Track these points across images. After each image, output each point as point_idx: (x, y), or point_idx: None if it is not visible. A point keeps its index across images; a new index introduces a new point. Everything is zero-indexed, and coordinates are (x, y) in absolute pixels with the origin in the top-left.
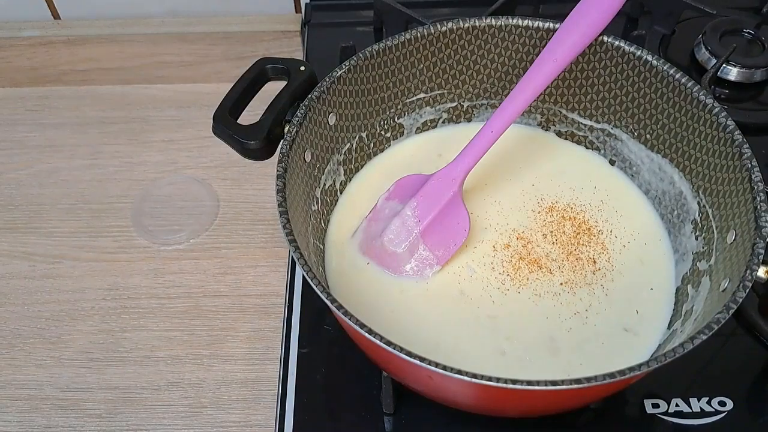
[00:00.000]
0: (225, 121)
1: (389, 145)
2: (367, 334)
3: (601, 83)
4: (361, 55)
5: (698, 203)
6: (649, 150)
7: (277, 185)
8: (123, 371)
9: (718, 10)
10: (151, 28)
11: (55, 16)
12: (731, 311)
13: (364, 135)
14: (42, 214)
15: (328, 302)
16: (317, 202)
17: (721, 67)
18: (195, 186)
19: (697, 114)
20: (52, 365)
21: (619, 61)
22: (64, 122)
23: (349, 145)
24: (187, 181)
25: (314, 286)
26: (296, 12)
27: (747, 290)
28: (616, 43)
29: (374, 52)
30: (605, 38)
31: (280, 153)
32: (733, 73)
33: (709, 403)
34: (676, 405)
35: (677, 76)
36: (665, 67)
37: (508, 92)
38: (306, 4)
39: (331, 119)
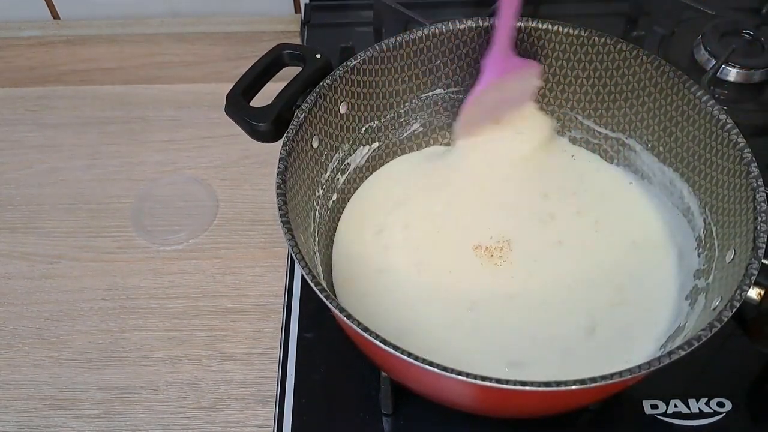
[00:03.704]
0: (237, 102)
1: None
2: (363, 333)
3: (618, 92)
4: (377, 46)
5: (704, 220)
6: (661, 163)
7: (278, 167)
8: (122, 371)
9: (718, 10)
10: (151, 28)
11: (55, 16)
12: (714, 330)
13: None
14: (41, 214)
15: (317, 291)
16: (322, 188)
17: (721, 68)
18: (194, 186)
19: (710, 129)
20: (50, 365)
21: (636, 70)
22: (63, 122)
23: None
24: (186, 181)
25: (302, 268)
26: (296, 12)
27: (734, 310)
28: (635, 51)
29: (391, 45)
30: (623, 46)
31: (286, 137)
32: (732, 73)
33: (707, 404)
34: (675, 406)
35: (693, 89)
36: (682, 80)
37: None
38: (306, 4)
39: (342, 108)
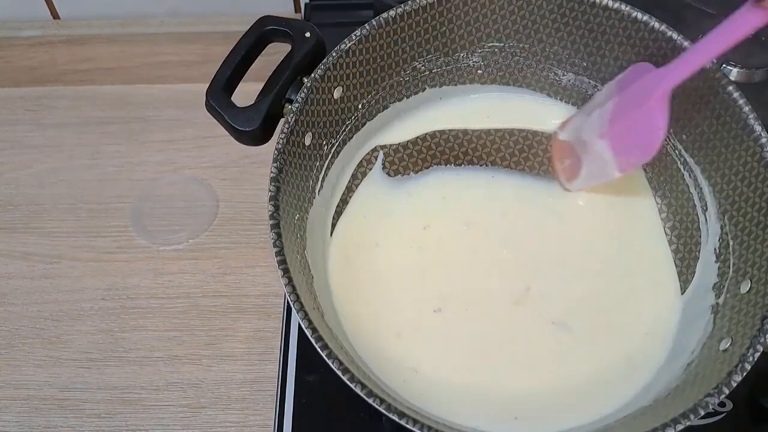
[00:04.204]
0: (218, 100)
1: None
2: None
3: None
4: (374, 22)
5: (721, 227)
6: (687, 153)
7: (270, 191)
8: (122, 371)
9: (718, 10)
10: (151, 28)
11: (55, 16)
12: (728, 389)
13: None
14: (41, 214)
15: (306, 329)
16: (319, 193)
17: (721, 68)
18: (194, 186)
19: (741, 136)
20: (51, 365)
21: (668, 53)
22: (63, 122)
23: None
24: (186, 181)
25: (288, 295)
26: (296, 12)
27: (744, 373)
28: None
29: (390, 19)
30: (674, 35)
31: (276, 150)
32: (733, 73)
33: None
34: None
35: (734, 94)
36: (723, 81)
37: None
38: (306, 4)
39: (336, 93)
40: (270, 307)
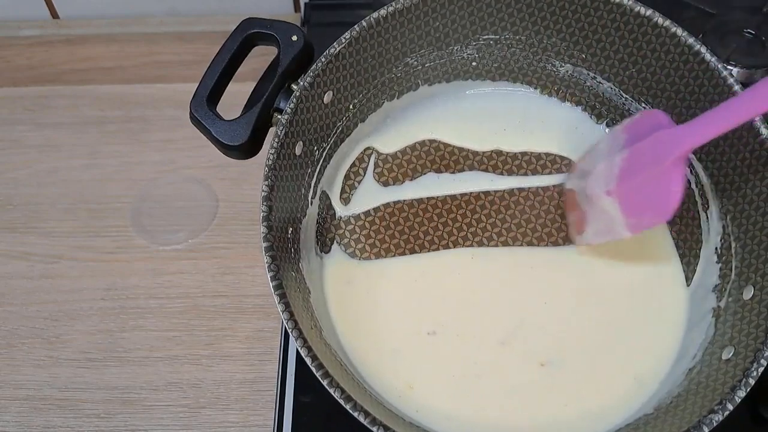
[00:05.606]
0: (203, 113)
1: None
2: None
3: (650, 72)
4: (364, 23)
5: (723, 227)
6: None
7: (262, 211)
8: (121, 371)
9: (719, 9)
10: (150, 28)
11: (54, 15)
12: (732, 405)
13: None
14: (40, 214)
15: (304, 354)
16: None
17: (726, 66)
18: (194, 186)
19: (746, 138)
20: (50, 365)
21: (671, 49)
22: (62, 122)
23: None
24: (185, 180)
25: (286, 322)
26: (295, 12)
27: (749, 388)
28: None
29: (381, 19)
30: (678, 31)
31: (266, 166)
32: (733, 73)
33: None
34: None
35: (736, 87)
36: (724, 73)
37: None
38: (305, 3)
39: (327, 98)
40: (270, 307)
